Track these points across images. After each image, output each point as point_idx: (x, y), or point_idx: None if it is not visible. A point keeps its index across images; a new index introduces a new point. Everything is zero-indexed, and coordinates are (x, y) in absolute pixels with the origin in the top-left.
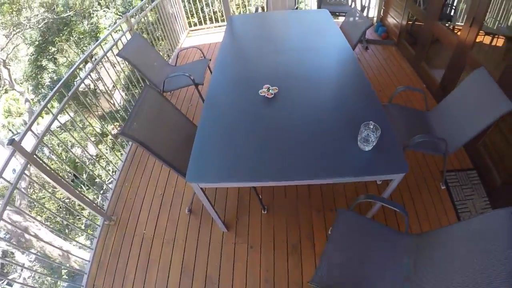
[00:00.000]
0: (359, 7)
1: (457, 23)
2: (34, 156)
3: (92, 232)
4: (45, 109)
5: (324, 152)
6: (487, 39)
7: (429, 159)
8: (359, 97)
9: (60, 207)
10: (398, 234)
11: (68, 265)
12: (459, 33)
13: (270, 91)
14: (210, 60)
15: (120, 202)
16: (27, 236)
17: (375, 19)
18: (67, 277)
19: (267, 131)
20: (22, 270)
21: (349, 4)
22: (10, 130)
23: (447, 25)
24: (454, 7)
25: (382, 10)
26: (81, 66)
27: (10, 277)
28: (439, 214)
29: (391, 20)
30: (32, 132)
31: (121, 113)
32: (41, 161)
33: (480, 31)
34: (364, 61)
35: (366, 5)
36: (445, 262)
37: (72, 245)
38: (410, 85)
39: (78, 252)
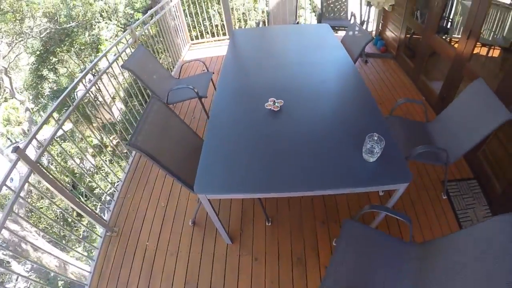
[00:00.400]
0: (358, 21)
1: (454, 35)
2: (38, 164)
3: (90, 244)
4: (42, 119)
5: (329, 164)
6: (484, 50)
7: (429, 168)
8: (362, 110)
9: (58, 218)
10: (402, 243)
11: (64, 276)
12: (456, 45)
13: (276, 104)
14: (213, 73)
15: (123, 213)
16: (24, 245)
17: (373, 33)
18: None
19: (272, 143)
20: (17, 280)
21: (349, 18)
22: (8, 138)
23: (444, 37)
24: (451, 20)
25: (380, 24)
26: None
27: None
28: (441, 223)
29: (389, 33)
30: (37, 140)
31: (120, 125)
32: (44, 170)
33: (477, 43)
34: (364, 75)
35: (365, 19)
36: (450, 270)
37: (70, 256)
38: (410, 97)
39: (76, 263)
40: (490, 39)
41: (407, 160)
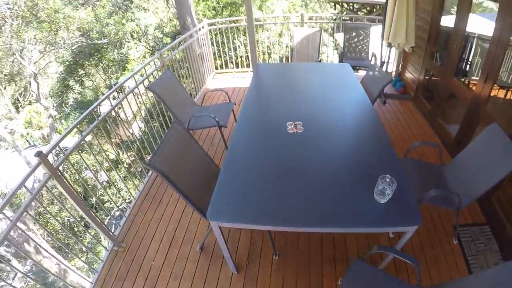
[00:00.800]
0: (379, 62)
1: (472, 77)
2: (57, 170)
3: (95, 255)
4: (63, 127)
5: (340, 201)
6: (501, 93)
7: (441, 212)
8: (377, 149)
9: (65, 225)
10: (408, 286)
11: (62, 284)
12: (474, 87)
13: (297, 126)
14: (235, 104)
15: (132, 230)
16: (27, 246)
17: (393, 73)
18: None
19: (287, 176)
20: (13, 279)
21: (370, 59)
22: (27, 140)
23: (462, 80)
24: (469, 63)
25: (400, 65)
26: (105, 92)
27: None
28: (450, 267)
29: (408, 75)
30: (60, 148)
31: (138, 143)
32: (62, 177)
33: (495, 85)
34: (381, 115)
35: (386, 60)
36: None
37: (71, 265)
38: (426, 139)
39: (78, 273)
40: (508, 81)
41: (419, 203)
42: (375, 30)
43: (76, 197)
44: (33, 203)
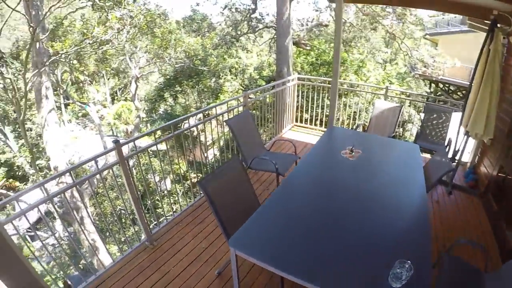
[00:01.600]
0: (452, 149)
1: None
2: (126, 161)
3: (127, 247)
4: (146, 130)
5: (356, 272)
6: None
7: None
8: (412, 234)
9: (113, 213)
10: None
11: (88, 255)
12: None
13: (353, 153)
14: (299, 158)
15: (167, 235)
16: (75, 214)
17: (468, 164)
18: (81, 268)
19: (317, 234)
20: (49, 236)
21: (445, 144)
22: (111, 130)
23: None
24: None
25: (477, 157)
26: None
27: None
28: None
29: (483, 169)
30: (134, 144)
31: (207, 168)
32: (128, 168)
33: None
34: (442, 204)
35: (461, 148)
36: None
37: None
38: (482, 239)
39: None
40: None
41: None
42: (457, 116)
43: (133, 189)
44: (95, 180)
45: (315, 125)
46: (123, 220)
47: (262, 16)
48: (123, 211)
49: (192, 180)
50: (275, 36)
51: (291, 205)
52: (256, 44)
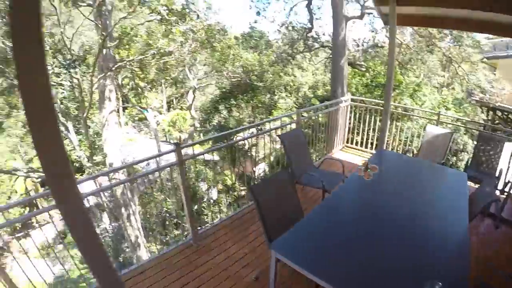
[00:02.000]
0: (503, 181)
1: None
2: (184, 162)
3: (168, 249)
4: (202, 139)
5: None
6: None
7: None
8: (450, 259)
9: (160, 213)
10: None
11: (129, 250)
12: None
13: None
14: (347, 177)
15: (212, 237)
16: (123, 210)
17: None
18: (121, 261)
19: (358, 246)
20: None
21: (495, 175)
22: (165, 136)
23: None
24: None
25: None
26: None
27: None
28: None
29: None
30: (193, 149)
31: (255, 182)
32: (185, 169)
33: None
34: (487, 236)
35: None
36: None
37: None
38: None
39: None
40: None
41: None
42: (510, 146)
43: (187, 189)
44: (145, 179)
45: (366, 147)
46: (167, 222)
47: (318, 35)
48: (167, 215)
49: (239, 192)
50: (331, 56)
51: (333, 219)
52: (312, 62)
